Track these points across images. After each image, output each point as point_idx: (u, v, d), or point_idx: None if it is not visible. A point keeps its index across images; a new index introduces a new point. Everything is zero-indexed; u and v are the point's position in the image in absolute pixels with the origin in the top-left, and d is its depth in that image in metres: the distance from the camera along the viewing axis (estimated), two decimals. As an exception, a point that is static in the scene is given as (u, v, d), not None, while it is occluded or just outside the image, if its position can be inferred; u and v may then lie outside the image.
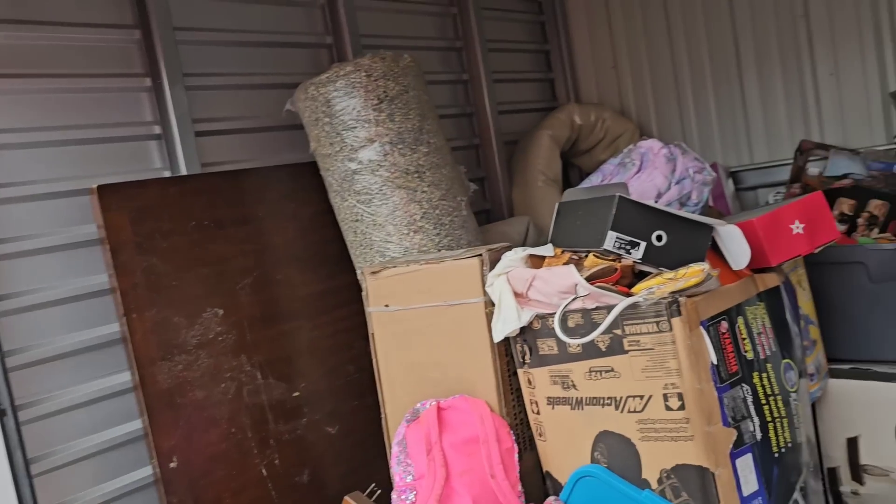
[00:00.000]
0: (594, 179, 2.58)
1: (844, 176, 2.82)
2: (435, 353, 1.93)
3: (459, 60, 3.12)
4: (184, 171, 2.12)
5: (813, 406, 2.16)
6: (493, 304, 1.82)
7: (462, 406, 1.86)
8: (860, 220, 2.68)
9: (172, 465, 1.91)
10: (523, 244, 2.65)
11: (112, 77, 2.08)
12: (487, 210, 3.13)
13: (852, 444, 2.27)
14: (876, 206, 2.68)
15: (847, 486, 2.30)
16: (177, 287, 1.99)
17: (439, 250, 2.16)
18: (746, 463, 1.65)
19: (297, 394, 2.20)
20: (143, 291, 1.93)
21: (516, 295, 1.78)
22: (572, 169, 3.52)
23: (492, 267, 1.85)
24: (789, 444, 1.77)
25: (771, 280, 1.88)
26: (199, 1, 2.28)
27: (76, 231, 1.94)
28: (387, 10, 2.84)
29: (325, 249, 2.34)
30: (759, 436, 1.69)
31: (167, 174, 2.14)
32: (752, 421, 1.68)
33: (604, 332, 1.63)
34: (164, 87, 2.11)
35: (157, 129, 2.14)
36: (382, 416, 2.04)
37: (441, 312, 1.91)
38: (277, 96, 2.36)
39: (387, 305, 1.99)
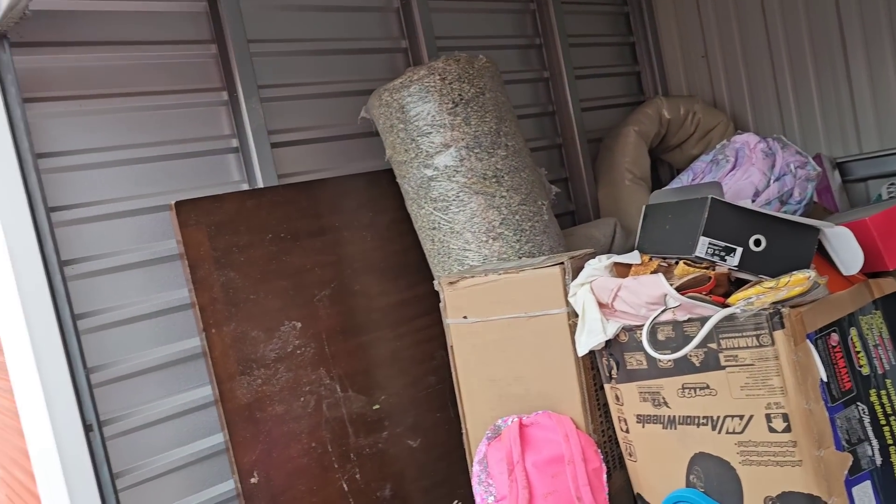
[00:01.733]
0: (684, 179, 2.42)
1: (971, 164, 2.55)
2: (516, 366, 1.85)
3: (539, 58, 3.02)
4: (260, 184, 2.12)
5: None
6: (576, 316, 1.73)
7: (546, 423, 1.77)
8: None
9: (253, 480, 1.90)
10: (610, 247, 2.52)
11: (190, 93, 2.10)
12: (572, 212, 3.02)
13: None
14: None
15: (982, 511, 2.06)
16: (255, 301, 1.99)
17: (520, 257, 2.07)
18: (865, 491, 1.49)
19: (377, 406, 2.16)
20: (221, 306, 1.93)
21: (601, 306, 1.67)
22: (662, 165, 3.35)
23: (574, 275, 1.75)
24: (914, 469, 1.59)
25: (888, 285, 1.70)
26: (272, 13, 2.28)
27: (157, 247, 1.97)
28: (462, 11, 2.77)
29: (403, 258, 2.30)
30: (878, 461, 1.52)
31: (245, 187, 2.15)
32: (871, 444, 1.52)
33: (697, 347, 1.51)
34: (239, 100, 2.12)
35: (234, 143, 2.16)
36: (463, 431, 1.98)
37: (521, 324, 1.82)
38: (352, 104, 2.33)
39: (465, 317, 1.92)
